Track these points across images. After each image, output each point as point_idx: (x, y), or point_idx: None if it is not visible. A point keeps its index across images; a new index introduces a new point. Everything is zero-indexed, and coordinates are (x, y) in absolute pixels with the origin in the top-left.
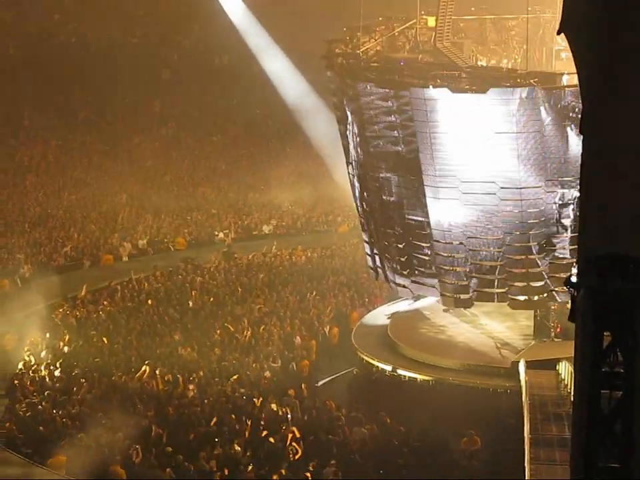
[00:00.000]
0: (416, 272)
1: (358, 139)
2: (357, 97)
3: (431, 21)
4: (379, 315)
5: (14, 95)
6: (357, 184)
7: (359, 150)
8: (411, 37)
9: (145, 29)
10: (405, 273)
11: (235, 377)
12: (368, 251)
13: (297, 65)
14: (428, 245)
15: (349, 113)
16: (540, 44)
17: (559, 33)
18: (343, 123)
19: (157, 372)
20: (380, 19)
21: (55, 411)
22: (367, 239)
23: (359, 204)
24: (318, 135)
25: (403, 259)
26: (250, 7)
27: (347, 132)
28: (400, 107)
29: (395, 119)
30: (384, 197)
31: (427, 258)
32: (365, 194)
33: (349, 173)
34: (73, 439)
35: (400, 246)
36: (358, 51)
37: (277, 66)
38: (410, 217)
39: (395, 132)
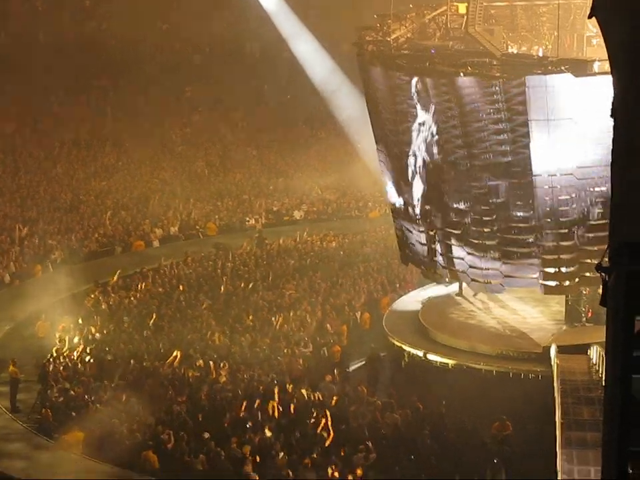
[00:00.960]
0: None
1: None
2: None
3: (462, 8)
4: (410, 301)
5: (44, 82)
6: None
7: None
8: (442, 24)
9: (176, 15)
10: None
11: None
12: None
13: (328, 51)
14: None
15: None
16: (571, 30)
17: (590, 17)
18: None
19: (188, 358)
20: (410, 6)
21: (87, 397)
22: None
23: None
24: (348, 120)
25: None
26: None
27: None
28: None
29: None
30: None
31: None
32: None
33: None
34: (104, 424)
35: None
36: (388, 39)
37: (308, 52)
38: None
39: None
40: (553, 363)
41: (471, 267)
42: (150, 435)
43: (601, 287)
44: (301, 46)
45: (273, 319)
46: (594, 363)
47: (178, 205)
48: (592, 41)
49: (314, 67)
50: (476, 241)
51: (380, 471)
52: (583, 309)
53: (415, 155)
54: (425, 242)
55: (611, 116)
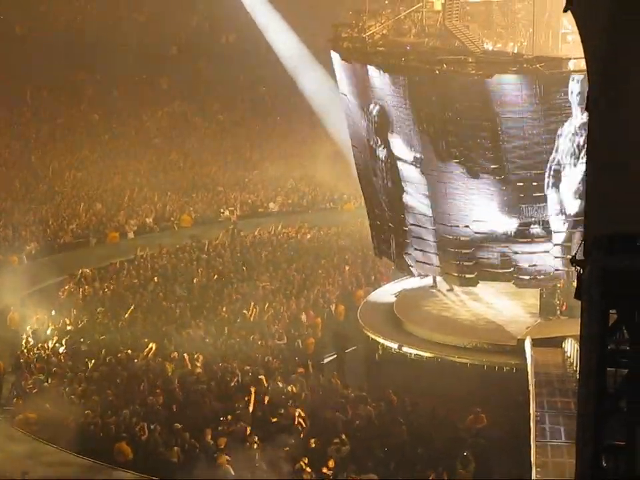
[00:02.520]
0: None
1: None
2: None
3: (437, 4)
4: (385, 293)
5: (20, 73)
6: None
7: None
8: (417, 21)
9: (152, 6)
10: None
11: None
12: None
13: (305, 42)
14: None
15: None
16: (546, 27)
17: (565, 11)
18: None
19: (163, 349)
20: (386, 2)
21: (61, 388)
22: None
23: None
24: (324, 112)
25: None
26: None
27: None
28: None
29: None
30: None
31: None
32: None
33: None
34: (79, 416)
35: None
36: (364, 35)
37: (284, 43)
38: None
39: None
40: (527, 355)
41: None
42: (124, 427)
43: (576, 280)
44: (277, 37)
45: (247, 311)
46: (568, 355)
47: (153, 197)
48: (567, 37)
49: (290, 58)
50: None
51: (353, 463)
52: (558, 302)
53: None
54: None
55: (586, 109)
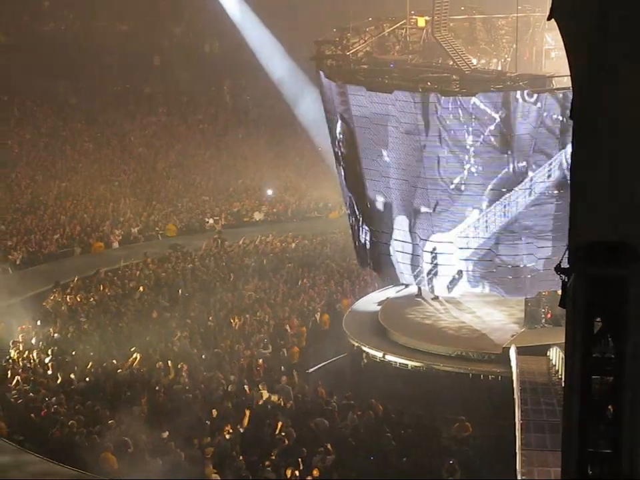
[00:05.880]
0: None
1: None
2: None
3: (421, 21)
4: (370, 302)
5: (3, 83)
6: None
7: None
8: (401, 38)
9: (135, 16)
10: None
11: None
12: None
13: (288, 52)
14: None
15: None
16: (530, 43)
17: (549, 19)
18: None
19: (148, 359)
20: (369, 19)
21: (46, 399)
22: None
23: None
24: (309, 121)
25: None
26: None
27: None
28: None
29: None
30: None
31: None
32: None
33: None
34: (64, 427)
35: None
36: (347, 53)
37: (267, 52)
38: None
39: None
40: (512, 364)
41: None
42: (109, 437)
43: (561, 288)
44: (260, 45)
45: (232, 320)
46: (553, 364)
47: (137, 206)
48: (551, 53)
49: (273, 67)
50: None
51: (338, 472)
52: (543, 311)
53: None
54: None
55: (571, 117)
